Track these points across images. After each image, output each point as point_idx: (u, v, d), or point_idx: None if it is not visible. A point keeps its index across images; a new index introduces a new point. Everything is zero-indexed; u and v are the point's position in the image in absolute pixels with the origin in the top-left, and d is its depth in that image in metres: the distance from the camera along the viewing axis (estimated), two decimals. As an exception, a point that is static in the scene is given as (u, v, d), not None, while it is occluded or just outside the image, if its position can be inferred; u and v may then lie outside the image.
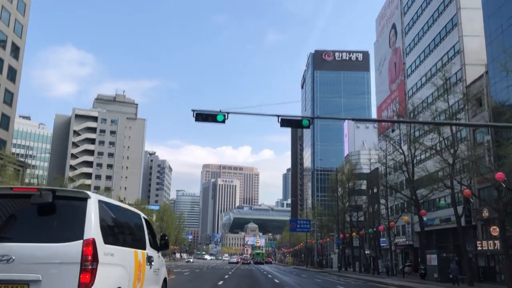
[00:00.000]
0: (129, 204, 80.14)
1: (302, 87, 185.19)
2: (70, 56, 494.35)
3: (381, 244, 60.46)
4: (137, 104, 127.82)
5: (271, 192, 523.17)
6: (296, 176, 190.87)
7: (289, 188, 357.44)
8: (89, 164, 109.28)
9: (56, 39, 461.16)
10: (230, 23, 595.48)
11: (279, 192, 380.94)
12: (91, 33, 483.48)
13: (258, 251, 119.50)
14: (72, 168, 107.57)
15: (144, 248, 6.72)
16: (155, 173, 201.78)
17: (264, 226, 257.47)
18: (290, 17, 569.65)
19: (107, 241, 5.12)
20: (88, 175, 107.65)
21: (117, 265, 5.36)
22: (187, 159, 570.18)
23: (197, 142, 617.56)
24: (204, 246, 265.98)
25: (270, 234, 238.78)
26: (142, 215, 7.34)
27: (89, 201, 5.06)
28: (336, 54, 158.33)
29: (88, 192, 5.28)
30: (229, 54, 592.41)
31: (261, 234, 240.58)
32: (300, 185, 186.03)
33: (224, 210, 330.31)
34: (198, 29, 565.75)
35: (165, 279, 8.35)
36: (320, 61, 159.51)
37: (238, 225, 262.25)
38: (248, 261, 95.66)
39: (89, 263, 4.63)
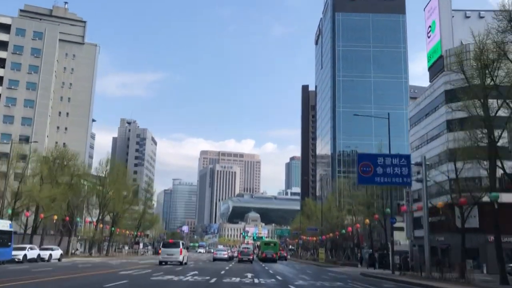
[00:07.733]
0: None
1: (316, 43, 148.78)
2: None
3: None
4: (85, 22, 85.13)
5: (274, 186, 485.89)
6: (308, 152, 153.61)
7: (292, 178, 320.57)
8: (-6, 98, 67.86)
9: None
10: (236, 16, 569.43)
11: (282, 186, 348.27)
12: (94, 24, 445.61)
13: (268, 240, 77.69)
14: (-34, 104, 66.36)
15: (185, 248, 41.72)
16: (134, 144, 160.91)
17: (267, 216, 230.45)
18: (296, 11, 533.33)
19: (184, 248, 39.33)
20: (-8, 116, 66.37)
21: (185, 250, 39.69)
22: (189, 152, 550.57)
23: (200, 135, 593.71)
24: (195, 236, 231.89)
25: (273, 224, 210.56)
26: (182, 241, 41.10)
27: (181, 241, 40.34)
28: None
29: (181, 241, 40.62)
30: (235, 47, 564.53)
31: (263, 224, 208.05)
32: (312, 163, 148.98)
33: (222, 198, 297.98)
34: (203, 23, 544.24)
35: (187, 257, 42.85)
36: (342, 0, 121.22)
37: (237, 215, 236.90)
38: (250, 256, 52.84)
39: (182, 251, 36.99)
